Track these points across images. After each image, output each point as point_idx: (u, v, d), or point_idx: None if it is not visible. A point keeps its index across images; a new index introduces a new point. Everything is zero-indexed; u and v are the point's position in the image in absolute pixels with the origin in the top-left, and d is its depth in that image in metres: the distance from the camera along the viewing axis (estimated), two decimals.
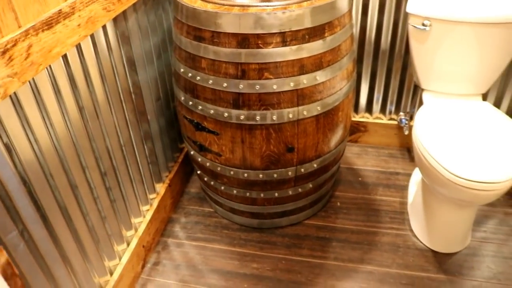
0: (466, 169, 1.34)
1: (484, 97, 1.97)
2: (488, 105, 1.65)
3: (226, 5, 1.34)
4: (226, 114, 1.40)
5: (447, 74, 1.72)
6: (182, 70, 1.45)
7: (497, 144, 1.44)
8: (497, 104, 1.99)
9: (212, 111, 1.42)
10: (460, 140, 1.46)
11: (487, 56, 1.64)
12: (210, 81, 1.37)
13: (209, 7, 1.32)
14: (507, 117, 1.58)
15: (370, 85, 2.06)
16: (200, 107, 1.44)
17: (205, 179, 1.70)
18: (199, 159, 1.62)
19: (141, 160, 1.57)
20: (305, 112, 1.40)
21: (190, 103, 1.47)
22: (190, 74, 1.42)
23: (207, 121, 1.46)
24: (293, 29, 1.28)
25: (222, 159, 1.53)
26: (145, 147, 1.59)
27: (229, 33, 1.29)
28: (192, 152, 1.65)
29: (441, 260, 1.63)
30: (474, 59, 1.65)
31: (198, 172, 1.73)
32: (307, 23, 1.29)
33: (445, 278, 1.56)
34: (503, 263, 1.61)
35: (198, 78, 1.40)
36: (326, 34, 1.34)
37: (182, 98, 1.51)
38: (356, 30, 1.92)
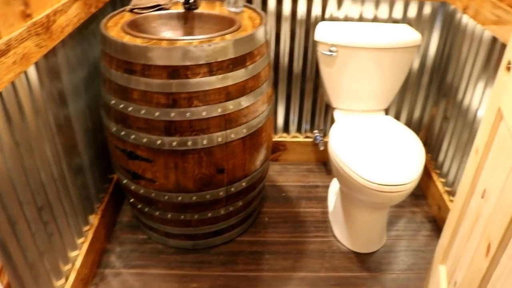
0: (378, 175, 1.53)
1: (386, 111, 2.22)
2: (390, 119, 1.88)
3: (155, 39, 1.43)
4: (159, 142, 1.47)
5: (354, 93, 1.94)
6: (113, 102, 1.51)
7: (400, 151, 1.66)
8: (397, 117, 2.25)
9: (145, 140, 1.49)
10: (370, 150, 1.66)
11: (385, 76, 1.88)
12: (143, 111, 1.44)
13: (138, 42, 1.40)
14: (407, 128, 1.81)
15: (286, 107, 2.24)
16: (133, 136, 1.50)
17: (139, 206, 1.74)
18: (133, 187, 1.66)
19: (73, 192, 1.58)
20: (232, 135, 1.52)
21: (123, 133, 1.53)
22: (121, 105, 1.48)
23: (140, 149, 1.52)
24: (218, 60, 1.40)
25: (156, 185, 1.59)
26: (77, 179, 1.61)
27: (159, 65, 1.37)
28: (125, 181, 1.69)
29: (363, 260, 1.81)
30: (375, 79, 1.88)
31: (131, 200, 1.76)
32: (231, 54, 1.41)
33: (368, 275, 1.74)
34: (414, 255, 1.82)
35: (130, 108, 1.46)
36: (247, 63, 1.47)
37: (114, 129, 1.55)
38: (271, 58, 2.08)
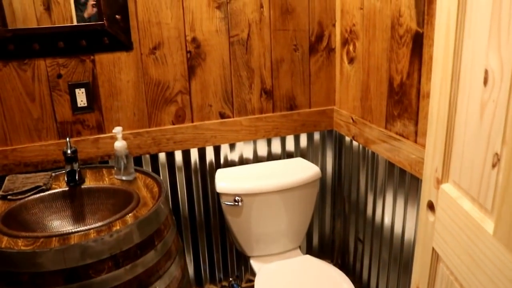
0: None
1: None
2: (310, 258, 1.80)
3: (42, 237, 1.21)
4: None
5: (267, 238, 1.84)
6: None
7: None
8: (309, 242, 2.19)
9: None
10: None
11: (294, 214, 1.83)
12: None
13: (21, 245, 1.17)
14: (329, 265, 1.74)
15: (194, 257, 2.05)
16: None
17: None
18: None
19: None
20: None
21: None
22: None
23: None
24: (123, 249, 1.21)
25: None
26: None
27: (53, 270, 1.14)
28: None
29: None
30: (285, 219, 1.82)
31: None
32: (136, 239, 1.24)
33: None
34: None
35: None
36: (156, 243, 1.31)
37: None
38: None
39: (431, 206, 1.10)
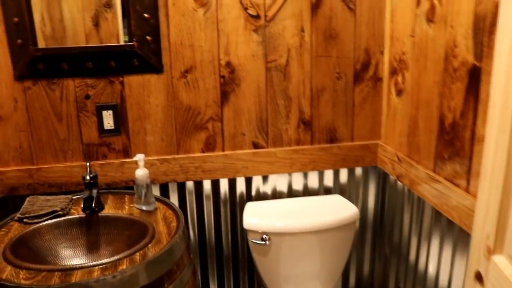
0: None
1: None
2: None
3: (45, 270, 1.13)
4: None
5: (296, 281, 1.69)
6: None
7: None
8: (345, 286, 2.02)
9: None
10: None
11: (328, 257, 1.67)
12: None
13: (21, 278, 1.09)
14: None
15: None
16: None
17: None
18: None
19: None
20: None
21: None
22: None
23: None
24: None
25: None
26: None
27: None
28: None
29: None
30: (317, 262, 1.67)
31: None
32: (143, 280, 1.14)
33: None
34: None
35: None
36: (166, 285, 1.19)
37: None
38: (194, 236, 1.81)
39: (479, 277, 0.92)
